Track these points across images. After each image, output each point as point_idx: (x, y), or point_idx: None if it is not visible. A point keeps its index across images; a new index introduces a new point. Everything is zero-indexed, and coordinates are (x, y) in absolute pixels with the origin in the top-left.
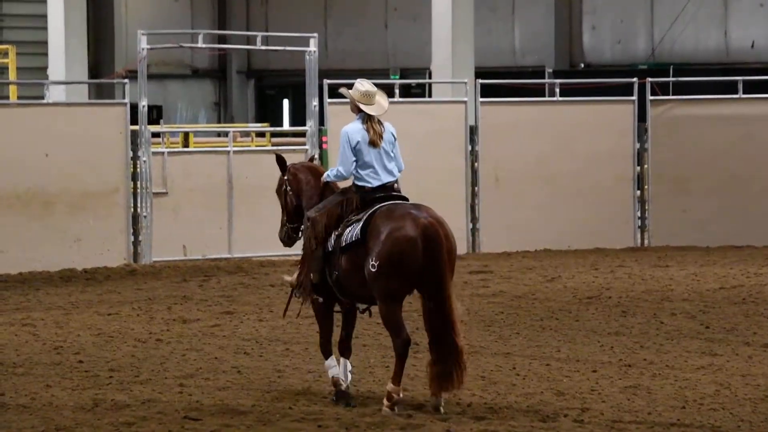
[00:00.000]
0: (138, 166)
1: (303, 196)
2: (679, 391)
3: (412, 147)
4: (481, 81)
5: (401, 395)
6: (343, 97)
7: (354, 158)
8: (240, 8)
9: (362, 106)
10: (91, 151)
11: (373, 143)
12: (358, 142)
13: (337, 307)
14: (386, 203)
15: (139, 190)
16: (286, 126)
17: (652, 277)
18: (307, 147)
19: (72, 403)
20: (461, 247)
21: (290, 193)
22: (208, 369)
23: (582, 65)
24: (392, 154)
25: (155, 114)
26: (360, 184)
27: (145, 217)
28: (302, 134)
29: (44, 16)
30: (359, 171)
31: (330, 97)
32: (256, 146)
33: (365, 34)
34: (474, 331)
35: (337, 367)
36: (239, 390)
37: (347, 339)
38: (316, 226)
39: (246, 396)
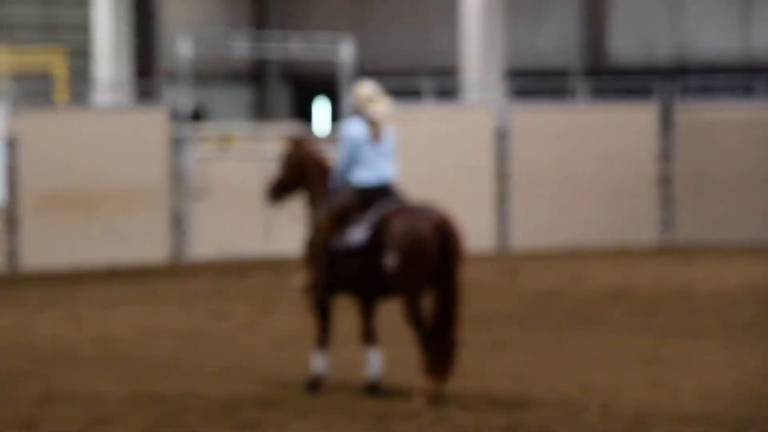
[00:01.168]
0: (179, 166)
1: (312, 192)
2: (701, 386)
3: (441, 148)
4: (510, 82)
5: (431, 388)
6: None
7: (353, 157)
8: (278, 11)
9: (365, 108)
10: (135, 152)
11: (374, 141)
12: (359, 139)
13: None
14: (394, 203)
15: (180, 190)
16: (322, 127)
17: (676, 275)
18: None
19: (115, 394)
20: (488, 247)
21: (298, 172)
22: (245, 362)
23: (608, 67)
24: (392, 155)
25: (196, 115)
26: (359, 181)
27: (186, 215)
28: (338, 135)
29: (91, 22)
30: (359, 171)
31: None
32: None
33: (399, 35)
34: (501, 328)
35: (321, 367)
36: (276, 383)
37: (367, 329)
38: (322, 227)
39: (282, 389)
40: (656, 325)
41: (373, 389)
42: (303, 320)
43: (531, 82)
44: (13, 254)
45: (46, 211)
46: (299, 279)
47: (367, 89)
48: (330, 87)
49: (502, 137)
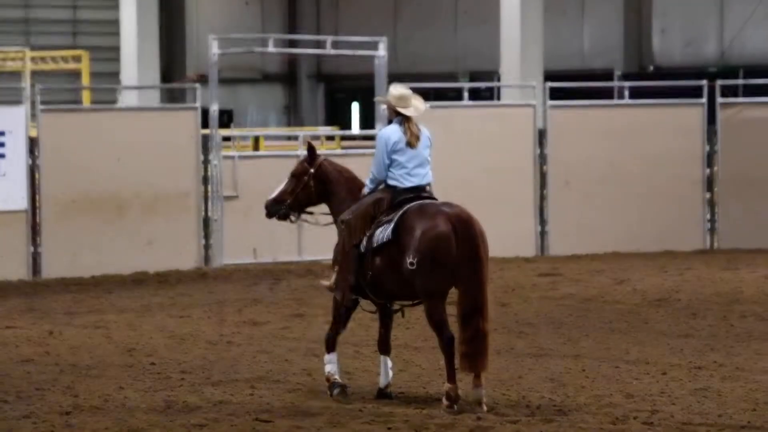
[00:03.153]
0: (209, 169)
1: (331, 198)
2: (749, 394)
3: (481, 150)
4: (549, 84)
5: (459, 392)
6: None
7: (388, 162)
8: (310, 12)
9: (399, 109)
10: (163, 155)
11: (410, 144)
12: (395, 143)
13: (371, 307)
14: (415, 202)
15: (210, 194)
16: (355, 130)
17: (722, 279)
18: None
19: (144, 404)
20: (530, 250)
21: (312, 187)
22: (278, 371)
23: (651, 68)
24: (428, 159)
25: (226, 118)
26: (392, 183)
27: (215, 220)
28: (371, 137)
29: (117, 22)
30: (393, 171)
31: None
32: (326, 150)
33: (434, 37)
34: (543, 334)
35: (335, 364)
36: (309, 392)
37: (386, 337)
38: (351, 228)
39: (316, 398)
40: (703, 330)
41: (385, 395)
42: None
43: (573, 84)
44: (36, 261)
45: (70, 216)
46: (329, 279)
47: (400, 89)
48: (364, 89)
49: (542, 139)
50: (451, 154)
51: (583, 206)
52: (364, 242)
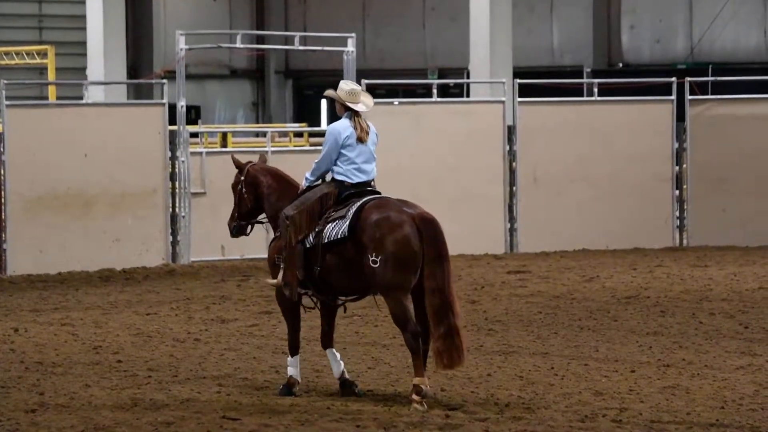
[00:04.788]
0: (176, 166)
1: (263, 199)
2: (718, 392)
3: (450, 147)
4: (519, 81)
5: (428, 386)
6: (381, 97)
7: (336, 156)
8: (278, 8)
9: (349, 104)
10: (130, 151)
11: (360, 140)
12: (347, 138)
13: (310, 304)
14: (370, 198)
15: (177, 190)
16: (324, 126)
17: (691, 276)
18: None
19: (111, 402)
20: (499, 247)
21: (245, 194)
22: (246, 369)
23: (620, 65)
24: (374, 155)
25: (193, 114)
26: (340, 179)
27: (183, 217)
28: None
29: (83, 17)
30: (342, 166)
31: None
32: (294, 146)
33: (403, 34)
34: (512, 331)
35: (297, 368)
36: (277, 389)
37: (330, 332)
38: (296, 223)
39: (284, 396)
40: (672, 328)
41: (346, 383)
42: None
43: (542, 81)
44: (1, 257)
45: (35, 212)
46: (272, 277)
47: (350, 85)
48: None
49: (511, 135)
50: (420, 151)
51: (553, 203)
52: (311, 238)
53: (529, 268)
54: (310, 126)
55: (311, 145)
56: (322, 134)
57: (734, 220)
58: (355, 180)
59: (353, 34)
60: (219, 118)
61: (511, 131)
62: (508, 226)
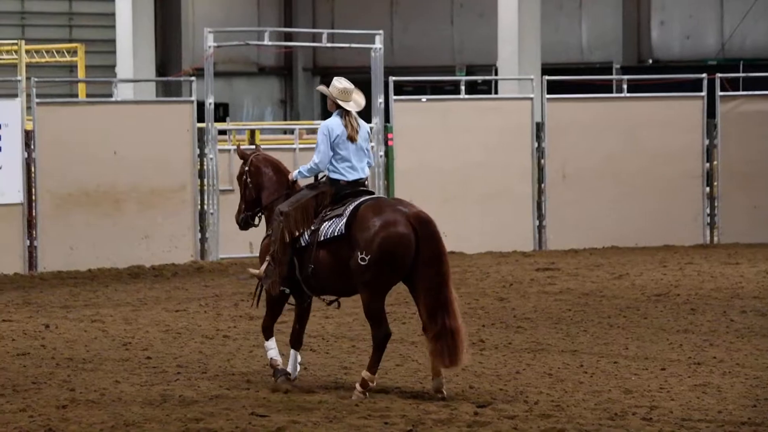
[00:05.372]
0: (205, 163)
1: (263, 190)
2: (749, 390)
3: (478, 144)
4: (547, 77)
5: (375, 384)
6: (408, 93)
7: (331, 153)
8: (306, 5)
9: (340, 103)
10: (159, 148)
11: (351, 138)
12: (338, 136)
13: (292, 300)
14: (367, 197)
15: (205, 188)
16: None
17: (722, 274)
18: (372, 144)
19: (140, 398)
20: (528, 244)
21: (250, 184)
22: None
23: (650, 61)
24: (365, 152)
25: (222, 111)
26: (336, 177)
27: (212, 214)
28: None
29: (113, 15)
30: (336, 164)
31: (396, 94)
32: None
33: (431, 30)
34: (541, 329)
35: (275, 350)
36: (306, 386)
37: (300, 332)
38: (290, 220)
39: (312, 392)
40: (702, 326)
41: (281, 373)
42: (334, 322)
43: (571, 77)
44: (32, 254)
45: (66, 209)
46: (259, 269)
47: (343, 83)
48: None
49: (540, 132)
50: (448, 148)
51: (582, 200)
52: (306, 236)
53: (558, 265)
54: None
55: None
56: None
57: (765, 217)
58: (350, 177)
59: (381, 31)
60: (247, 115)
61: (539, 128)
62: (537, 223)
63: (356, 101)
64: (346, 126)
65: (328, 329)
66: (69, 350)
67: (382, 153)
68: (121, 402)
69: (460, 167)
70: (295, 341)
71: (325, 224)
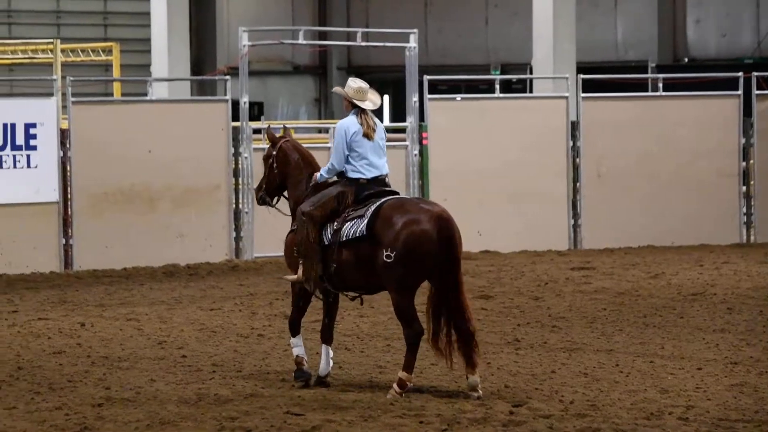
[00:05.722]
0: (239, 162)
1: (288, 178)
2: None
3: (513, 143)
4: (582, 76)
5: (412, 384)
6: (443, 93)
7: (347, 152)
8: (340, 4)
9: (356, 102)
10: (194, 147)
11: (367, 136)
12: (354, 133)
13: (319, 295)
14: (390, 197)
15: (240, 186)
16: (386, 122)
17: (759, 273)
18: (406, 143)
19: (176, 397)
20: (563, 243)
21: (275, 169)
22: (309, 364)
23: (686, 59)
24: (384, 150)
25: (256, 110)
26: (355, 176)
27: (246, 213)
28: (402, 130)
29: (148, 14)
30: (354, 162)
31: (430, 93)
32: None
33: (465, 29)
34: (576, 328)
35: (302, 347)
36: (341, 385)
37: (330, 326)
38: (313, 220)
39: (347, 391)
40: (739, 325)
41: (323, 383)
42: (369, 321)
43: (606, 76)
44: (67, 253)
45: (101, 208)
46: (289, 273)
47: (358, 83)
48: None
49: (575, 131)
50: (483, 148)
51: (617, 199)
52: (329, 236)
53: (594, 264)
54: None
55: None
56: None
57: None
58: (369, 175)
59: (415, 30)
60: (282, 114)
61: (574, 127)
62: (572, 222)
63: (372, 100)
64: (362, 124)
65: (363, 328)
66: (104, 349)
67: (416, 152)
68: (157, 400)
69: (494, 166)
70: (326, 336)
71: (347, 224)
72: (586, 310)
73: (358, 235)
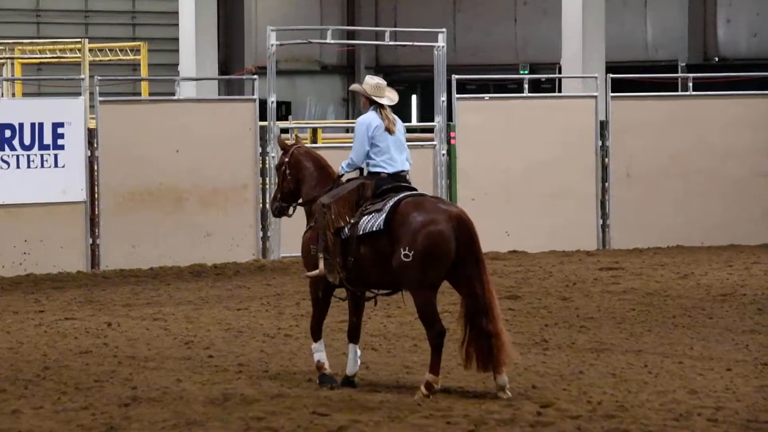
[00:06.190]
0: (267, 161)
1: (302, 183)
2: None
3: (542, 143)
4: (612, 75)
5: (439, 385)
6: (471, 92)
7: (368, 147)
8: (368, 4)
9: (375, 98)
10: (221, 147)
11: (388, 130)
12: (376, 127)
13: (342, 294)
14: (409, 194)
15: (267, 186)
16: (414, 121)
17: None
18: (434, 142)
19: (202, 397)
20: (591, 243)
21: (288, 176)
22: (336, 365)
23: (716, 59)
24: (404, 145)
25: (284, 110)
26: (376, 170)
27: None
28: (430, 130)
29: (176, 14)
30: (375, 157)
31: (458, 92)
32: None
33: (494, 28)
34: (604, 328)
35: (323, 352)
36: (367, 386)
37: (357, 325)
38: (331, 213)
39: (374, 392)
40: None
41: (350, 383)
42: (396, 321)
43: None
44: (94, 252)
45: (128, 208)
46: (318, 268)
47: (376, 80)
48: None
49: (604, 131)
50: (512, 147)
51: (646, 199)
52: (347, 229)
53: (622, 264)
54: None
55: None
56: (412, 130)
57: None
58: (391, 170)
59: (444, 29)
60: (309, 113)
61: (603, 127)
62: (601, 222)
63: (389, 97)
64: (383, 119)
65: (390, 329)
66: (131, 348)
67: (444, 152)
68: (183, 400)
69: (523, 166)
70: (353, 335)
71: (364, 218)
72: (614, 311)
73: (375, 229)
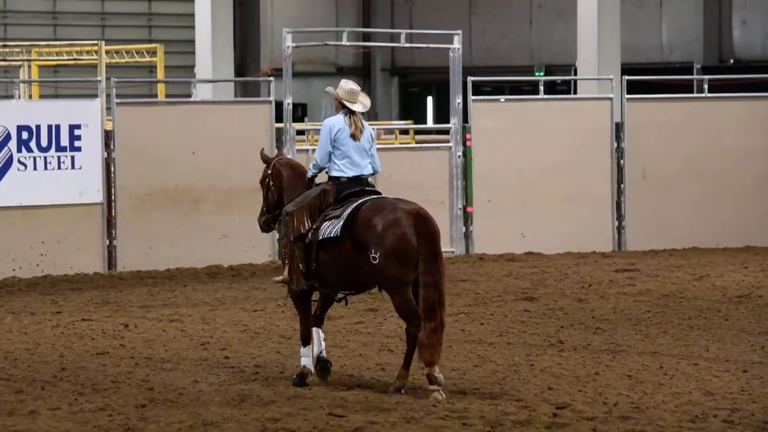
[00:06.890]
0: None
1: (284, 192)
2: None
3: (557, 144)
4: (627, 77)
5: (439, 373)
6: (487, 94)
7: (331, 149)
8: (384, 6)
9: (346, 103)
10: (237, 148)
11: (353, 136)
12: (339, 131)
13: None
14: (368, 198)
15: None
16: (430, 123)
17: None
18: (450, 144)
19: (219, 398)
20: (607, 245)
21: (272, 187)
22: (352, 366)
23: (732, 61)
24: (369, 152)
25: (300, 112)
26: (336, 174)
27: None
28: (446, 131)
29: (192, 15)
30: (336, 161)
31: (474, 94)
32: (400, 144)
33: (509, 30)
34: (620, 330)
35: (310, 358)
36: (384, 387)
37: (321, 317)
38: (294, 220)
39: (390, 393)
40: None
41: (323, 362)
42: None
43: (651, 77)
44: (111, 254)
45: (145, 209)
46: (283, 274)
47: (350, 85)
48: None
49: (619, 132)
50: (527, 149)
51: (662, 201)
52: (310, 235)
53: (638, 266)
54: (415, 123)
55: (417, 142)
56: (428, 131)
57: None
58: (350, 174)
59: (459, 31)
60: (325, 115)
61: (619, 128)
62: (616, 223)
63: (362, 103)
64: (349, 124)
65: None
66: (148, 350)
67: (460, 153)
68: (200, 401)
69: (538, 167)
70: (317, 320)
71: (325, 224)
72: (630, 312)
73: (332, 235)
